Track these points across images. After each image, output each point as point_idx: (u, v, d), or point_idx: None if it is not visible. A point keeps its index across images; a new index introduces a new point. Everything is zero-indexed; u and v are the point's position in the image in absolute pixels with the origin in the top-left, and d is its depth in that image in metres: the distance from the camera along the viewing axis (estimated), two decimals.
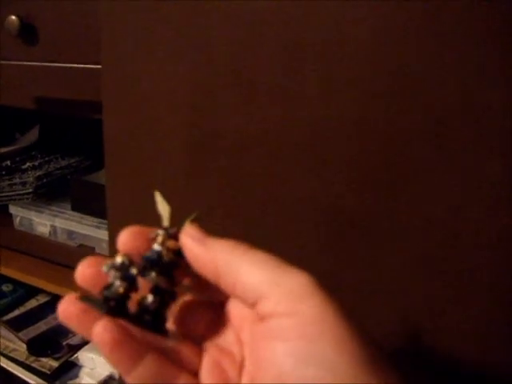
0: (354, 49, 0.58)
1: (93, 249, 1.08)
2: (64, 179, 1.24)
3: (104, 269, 0.38)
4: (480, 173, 0.55)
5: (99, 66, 0.76)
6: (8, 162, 1.34)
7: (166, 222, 0.41)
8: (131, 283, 0.37)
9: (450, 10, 0.53)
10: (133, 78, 0.73)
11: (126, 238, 0.40)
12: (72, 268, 1.10)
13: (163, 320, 0.38)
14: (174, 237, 0.39)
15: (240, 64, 0.65)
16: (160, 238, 0.39)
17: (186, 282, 0.41)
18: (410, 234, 0.60)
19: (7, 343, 1.29)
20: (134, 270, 0.37)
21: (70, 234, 1.12)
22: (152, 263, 0.38)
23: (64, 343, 1.26)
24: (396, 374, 0.33)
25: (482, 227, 0.56)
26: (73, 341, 1.27)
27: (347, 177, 0.62)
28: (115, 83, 0.75)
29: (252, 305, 0.36)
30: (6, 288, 1.47)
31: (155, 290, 0.38)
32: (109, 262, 0.38)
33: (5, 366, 1.25)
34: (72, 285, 1.07)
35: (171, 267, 0.39)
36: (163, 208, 0.42)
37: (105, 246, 1.05)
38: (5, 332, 1.32)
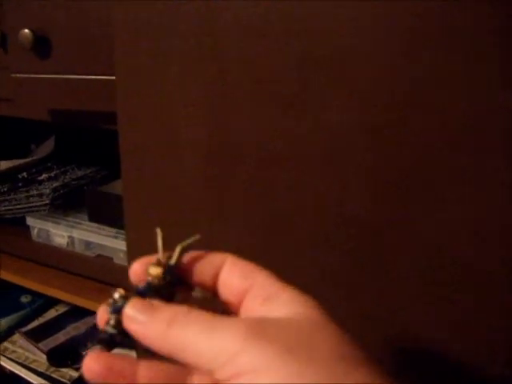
0: (373, 57, 0.58)
1: (110, 259, 1.08)
2: (80, 190, 1.24)
3: (103, 309, 0.40)
4: (497, 182, 0.55)
5: (113, 78, 0.76)
6: (24, 174, 1.34)
7: (160, 254, 0.43)
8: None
9: (471, 18, 0.53)
10: (148, 89, 0.73)
11: (137, 269, 0.42)
12: (90, 278, 1.11)
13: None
14: (160, 263, 0.42)
15: (259, 74, 0.64)
16: (150, 269, 0.41)
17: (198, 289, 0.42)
18: (426, 243, 0.60)
19: (27, 354, 1.30)
20: (120, 302, 0.39)
21: (88, 244, 1.12)
22: (139, 293, 0.40)
23: (83, 353, 1.27)
24: (380, 373, 0.33)
25: (498, 236, 0.56)
26: None
27: (365, 186, 0.62)
28: (130, 94, 0.74)
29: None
30: (24, 299, 1.48)
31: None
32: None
33: (26, 377, 1.25)
34: (90, 295, 1.07)
35: (162, 294, 0.40)
36: (159, 240, 0.44)
37: (122, 255, 1.05)
38: (24, 343, 1.33)
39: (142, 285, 0.40)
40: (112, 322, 0.39)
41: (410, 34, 0.55)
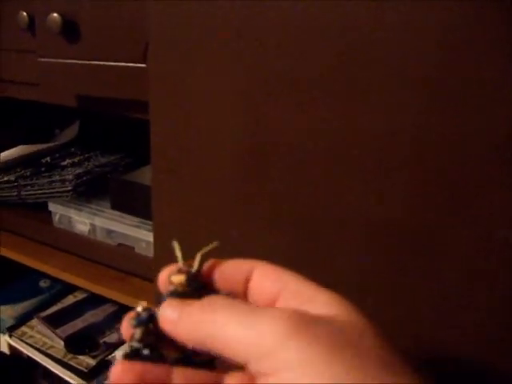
0: (421, 56, 0.56)
1: (132, 248, 1.07)
2: (103, 177, 1.23)
3: (127, 323, 0.40)
4: None
5: (143, 65, 0.75)
6: (48, 159, 1.34)
7: (180, 262, 0.43)
8: (146, 326, 0.39)
9: None
10: (181, 79, 0.71)
11: (163, 279, 0.42)
12: (110, 267, 1.10)
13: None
14: (181, 270, 0.42)
15: (297, 71, 0.63)
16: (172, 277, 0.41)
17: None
18: (464, 249, 0.58)
19: (45, 340, 1.30)
20: (144, 314, 0.39)
21: (110, 232, 1.11)
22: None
23: (101, 341, 1.27)
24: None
25: None
26: (110, 339, 1.27)
27: (404, 189, 0.60)
28: (163, 83, 0.73)
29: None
30: (43, 284, 1.48)
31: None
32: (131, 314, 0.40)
33: (43, 362, 1.25)
34: (110, 283, 1.07)
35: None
36: (177, 249, 0.44)
37: (144, 245, 1.04)
38: (43, 328, 1.33)
39: (165, 294, 0.40)
40: (137, 335, 0.38)
41: (462, 29, 0.53)
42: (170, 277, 0.41)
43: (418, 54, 0.56)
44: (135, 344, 0.38)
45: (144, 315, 0.39)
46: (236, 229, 0.72)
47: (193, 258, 0.42)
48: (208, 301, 0.37)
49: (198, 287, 0.40)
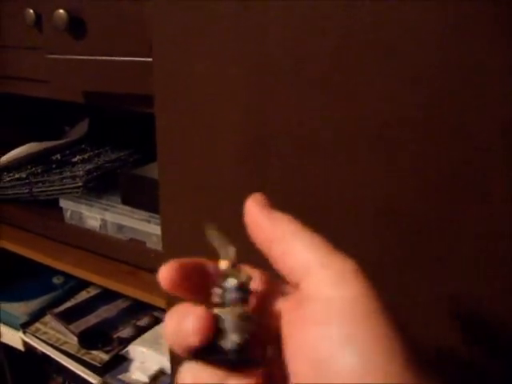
0: (422, 45, 0.55)
1: (143, 243, 1.08)
2: (114, 173, 1.24)
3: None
4: None
5: (149, 59, 0.75)
6: (58, 156, 1.34)
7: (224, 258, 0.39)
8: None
9: None
10: (185, 73, 0.71)
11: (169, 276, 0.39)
12: (122, 261, 1.10)
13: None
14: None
15: (299, 62, 0.63)
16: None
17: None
18: (472, 240, 0.58)
19: (58, 335, 1.30)
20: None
21: (121, 227, 1.11)
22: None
23: (114, 336, 1.27)
24: (434, 378, 0.32)
25: None
26: (123, 334, 1.27)
27: (413, 179, 0.60)
28: (167, 78, 0.73)
29: (295, 283, 0.36)
30: (57, 280, 1.49)
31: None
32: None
33: (57, 358, 1.26)
34: (122, 278, 1.07)
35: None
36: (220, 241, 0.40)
37: (155, 239, 1.05)
38: (56, 324, 1.34)
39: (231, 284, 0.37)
40: (236, 337, 0.35)
41: (463, 20, 0.53)
42: (226, 274, 0.37)
43: (418, 46, 0.55)
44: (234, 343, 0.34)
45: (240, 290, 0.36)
46: (241, 221, 0.72)
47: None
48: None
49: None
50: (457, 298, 0.61)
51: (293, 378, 0.34)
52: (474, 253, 0.58)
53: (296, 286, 0.36)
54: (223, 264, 0.38)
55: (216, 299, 0.37)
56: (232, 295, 0.36)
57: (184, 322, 0.35)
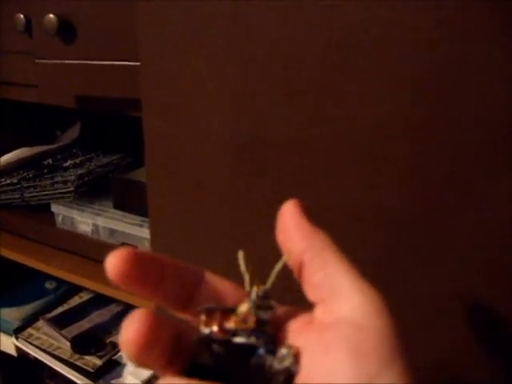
0: (411, 45, 0.56)
1: (135, 247, 1.07)
2: (105, 177, 1.23)
3: None
4: None
5: (138, 64, 0.75)
6: (50, 161, 1.34)
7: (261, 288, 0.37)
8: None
9: None
10: (173, 76, 0.71)
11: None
12: None
13: None
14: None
15: (287, 62, 0.63)
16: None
17: None
18: (464, 239, 0.58)
19: (51, 341, 1.30)
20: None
21: (112, 232, 1.11)
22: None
23: (107, 341, 1.27)
24: None
25: None
26: (116, 339, 1.27)
27: (402, 179, 0.60)
28: (154, 81, 0.73)
29: (319, 299, 0.35)
30: (49, 285, 1.49)
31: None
32: None
33: (50, 363, 1.25)
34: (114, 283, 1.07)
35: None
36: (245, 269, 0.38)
37: (147, 244, 1.04)
38: (49, 329, 1.33)
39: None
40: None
41: (457, 20, 0.53)
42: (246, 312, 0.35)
43: (409, 46, 0.56)
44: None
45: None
46: (232, 221, 0.72)
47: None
48: None
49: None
50: (457, 297, 0.61)
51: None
52: (473, 252, 0.58)
53: (319, 302, 0.35)
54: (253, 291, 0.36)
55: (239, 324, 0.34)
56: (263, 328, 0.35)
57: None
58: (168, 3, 0.69)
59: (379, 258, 0.64)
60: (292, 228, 0.39)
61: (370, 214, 0.63)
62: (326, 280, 0.35)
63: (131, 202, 1.10)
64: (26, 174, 1.28)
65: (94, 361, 1.22)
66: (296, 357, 0.33)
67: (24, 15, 0.97)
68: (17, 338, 1.33)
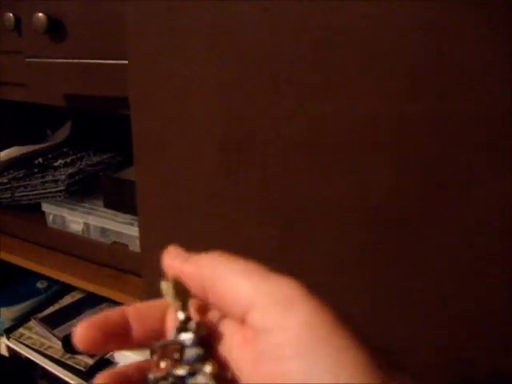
0: (398, 42, 0.56)
1: (126, 246, 1.07)
2: (96, 176, 1.23)
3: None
4: None
5: (127, 62, 0.75)
6: (40, 160, 1.34)
7: (180, 314, 0.37)
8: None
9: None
10: (161, 74, 0.71)
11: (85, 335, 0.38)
12: (105, 265, 1.10)
13: None
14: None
15: (275, 61, 0.63)
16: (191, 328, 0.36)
17: None
18: (451, 235, 0.58)
19: (43, 340, 1.30)
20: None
21: (103, 231, 1.11)
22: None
23: None
24: (406, 376, 0.31)
25: None
26: None
27: (389, 176, 0.60)
28: (142, 79, 0.73)
29: (241, 319, 0.34)
30: (40, 285, 1.48)
31: None
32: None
33: (41, 363, 1.25)
34: (105, 282, 1.07)
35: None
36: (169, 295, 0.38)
37: (138, 242, 1.04)
38: (40, 329, 1.33)
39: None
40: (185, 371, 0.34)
41: (435, 21, 0.53)
42: (176, 332, 0.36)
43: (400, 41, 0.56)
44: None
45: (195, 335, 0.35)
46: (221, 218, 0.72)
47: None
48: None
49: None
50: (442, 295, 0.61)
51: None
52: (460, 248, 0.59)
53: (242, 321, 0.34)
54: (180, 315, 0.37)
55: (171, 355, 0.35)
56: (192, 352, 0.35)
57: None
58: (156, 2, 0.69)
59: (362, 254, 0.64)
60: (183, 270, 0.37)
61: (356, 211, 0.63)
62: (237, 296, 0.34)
63: (122, 200, 1.10)
64: (16, 173, 1.27)
65: (85, 360, 1.22)
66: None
67: (13, 14, 0.96)
68: (8, 338, 1.32)
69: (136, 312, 0.38)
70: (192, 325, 0.36)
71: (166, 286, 0.38)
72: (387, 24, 0.56)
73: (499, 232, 0.56)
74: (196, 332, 0.36)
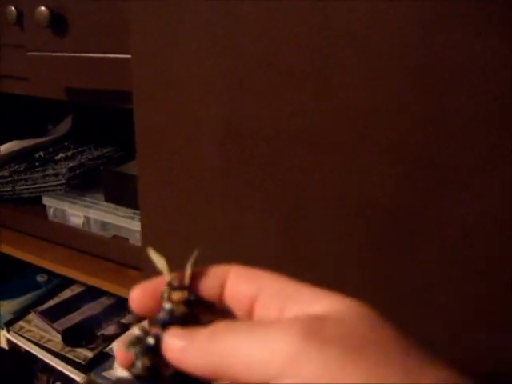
0: (395, 35, 0.56)
1: (126, 240, 1.08)
2: (97, 170, 1.23)
3: (125, 349, 0.36)
4: None
5: (130, 56, 0.75)
6: (41, 153, 1.34)
7: (166, 276, 0.38)
8: (153, 353, 0.35)
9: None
10: (163, 68, 0.72)
11: (138, 300, 0.38)
12: (106, 259, 1.10)
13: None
14: (181, 286, 0.38)
15: (275, 54, 0.63)
16: (166, 295, 0.37)
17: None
18: (449, 231, 0.58)
19: (42, 333, 1.30)
20: (150, 340, 0.35)
21: (104, 225, 1.11)
22: (164, 325, 0.36)
23: (98, 334, 1.27)
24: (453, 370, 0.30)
25: None
26: (107, 331, 1.27)
27: (387, 171, 0.60)
28: (145, 73, 0.73)
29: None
30: (40, 278, 1.49)
31: None
32: (127, 339, 0.36)
33: (41, 356, 1.26)
34: (106, 275, 1.07)
35: (187, 320, 0.37)
36: (158, 262, 0.39)
37: (138, 237, 1.05)
38: (40, 322, 1.33)
39: (162, 314, 0.37)
40: (141, 364, 0.35)
41: (432, 13, 0.54)
42: (167, 294, 0.37)
43: (400, 39, 0.56)
44: (141, 372, 0.35)
45: (150, 341, 0.35)
46: (222, 213, 0.72)
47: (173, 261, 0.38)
48: (214, 325, 0.34)
49: (195, 303, 0.37)
50: (443, 290, 0.61)
51: None
52: (455, 245, 0.59)
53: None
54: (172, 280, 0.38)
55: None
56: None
57: None
58: None
59: (361, 249, 0.64)
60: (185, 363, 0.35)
61: (355, 207, 0.63)
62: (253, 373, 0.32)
63: (123, 194, 1.11)
64: (17, 166, 1.27)
65: (85, 353, 1.23)
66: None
67: (15, 7, 0.96)
68: (8, 331, 1.33)
69: (195, 280, 0.39)
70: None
71: (153, 254, 0.39)
72: (387, 21, 0.56)
73: (498, 229, 0.56)
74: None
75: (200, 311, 0.38)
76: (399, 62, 0.56)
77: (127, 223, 1.07)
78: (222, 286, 0.38)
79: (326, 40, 0.59)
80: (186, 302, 0.37)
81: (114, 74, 0.87)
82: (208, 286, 0.39)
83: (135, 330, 0.36)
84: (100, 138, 1.40)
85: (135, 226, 1.05)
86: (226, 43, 0.66)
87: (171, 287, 0.37)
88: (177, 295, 0.37)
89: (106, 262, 1.11)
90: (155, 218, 0.80)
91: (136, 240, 1.06)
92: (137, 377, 0.35)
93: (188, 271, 0.38)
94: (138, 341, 0.36)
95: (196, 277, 0.39)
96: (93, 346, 1.24)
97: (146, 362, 0.35)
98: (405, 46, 0.56)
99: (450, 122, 0.55)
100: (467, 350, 0.61)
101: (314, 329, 0.30)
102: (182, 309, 0.37)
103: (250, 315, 0.37)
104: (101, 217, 1.11)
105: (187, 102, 0.71)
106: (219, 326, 0.34)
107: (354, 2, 0.57)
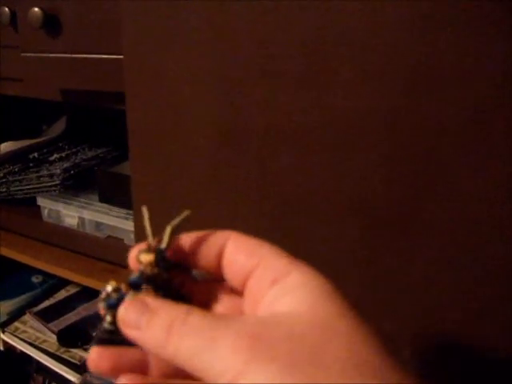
0: (388, 40, 0.56)
1: (121, 240, 1.08)
2: (91, 170, 1.24)
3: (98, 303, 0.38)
4: None
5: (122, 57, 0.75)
6: (35, 154, 1.34)
7: (149, 238, 0.40)
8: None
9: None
10: (155, 69, 0.72)
11: (133, 256, 0.40)
12: (100, 259, 1.10)
13: None
14: (148, 249, 0.39)
15: (267, 54, 0.63)
16: (140, 257, 0.39)
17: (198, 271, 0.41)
18: (442, 229, 0.59)
19: (38, 334, 1.30)
20: (113, 298, 0.37)
21: (98, 225, 1.11)
22: (135, 285, 0.38)
23: (94, 334, 1.27)
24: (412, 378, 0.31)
25: None
26: None
27: (379, 170, 0.60)
28: (137, 74, 0.74)
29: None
30: (35, 279, 1.49)
31: None
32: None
33: (36, 357, 1.26)
34: (101, 276, 1.07)
35: (160, 283, 0.38)
36: (146, 224, 0.42)
37: (133, 237, 1.05)
38: (35, 323, 1.33)
39: (134, 275, 0.38)
40: (109, 318, 0.37)
41: (427, 16, 0.54)
42: (138, 256, 0.39)
43: (394, 38, 0.56)
44: (108, 326, 0.37)
45: (113, 297, 0.37)
46: (216, 212, 0.72)
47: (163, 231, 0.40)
48: (172, 316, 0.34)
49: (168, 266, 0.39)
50: (435, 288, 0.61)
51: None
52: (446, 243, 0.59)
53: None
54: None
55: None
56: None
57: None
58: None
59: (354, 249, 0.64)
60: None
61: (349, 204, 0.63)
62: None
63: (117, 195, 1.11)
64: (11, 167, 1.27)
65: (80, 354, 1.23)
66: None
67: (9, 8, 0.96)
68: (3, 332, 1.33)
69: (192, 245, 0.41)
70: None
71: (146, 215, 0.42)
72: (380, 21, 0.56)
73: (489, 229, 0.57)
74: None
75: (176, 275, 0.39)
76: (392, 63, 0.57)
77: (122, 223, 1.07)
78: (220, 255, 0.40)
79: (321, 41, 0.60)
80: (158, 265, 0.38)
81: (107, 75, 0.87)
82: (206, 251, 0.40)
83: (108, 287, 0.38)
84: (94, 138, 1.40)
85: (129, 226, 1.05)
86: (219, 43, 0.66)
87: (144, 249, 0.39)
88: (144, 257, 0.38)
89: (101, 263, 1.11)
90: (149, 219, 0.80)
91: (131, 240, 1.06)
92: (106, 330, 0.37)
93: (166, 233, 0.40)
94: (107, 296, 0.37)
95: (195, 241, 0.41)
96: (88, 346, 1.24)
97: (109, 318, 0.37)
98: (399, 47, 0.56)
99: (444, 122, 0.56)
100: (464, 350, 0.61)
101: (258, 342, 0.31)
102: (153, 271, 0.38)
103: (242, 285, 0.38)
104: (95, 217, 1.11)
105: (179, 103, 0.71)
106: (178, 318, 0.34)
107: (349, 3, 0.57)
